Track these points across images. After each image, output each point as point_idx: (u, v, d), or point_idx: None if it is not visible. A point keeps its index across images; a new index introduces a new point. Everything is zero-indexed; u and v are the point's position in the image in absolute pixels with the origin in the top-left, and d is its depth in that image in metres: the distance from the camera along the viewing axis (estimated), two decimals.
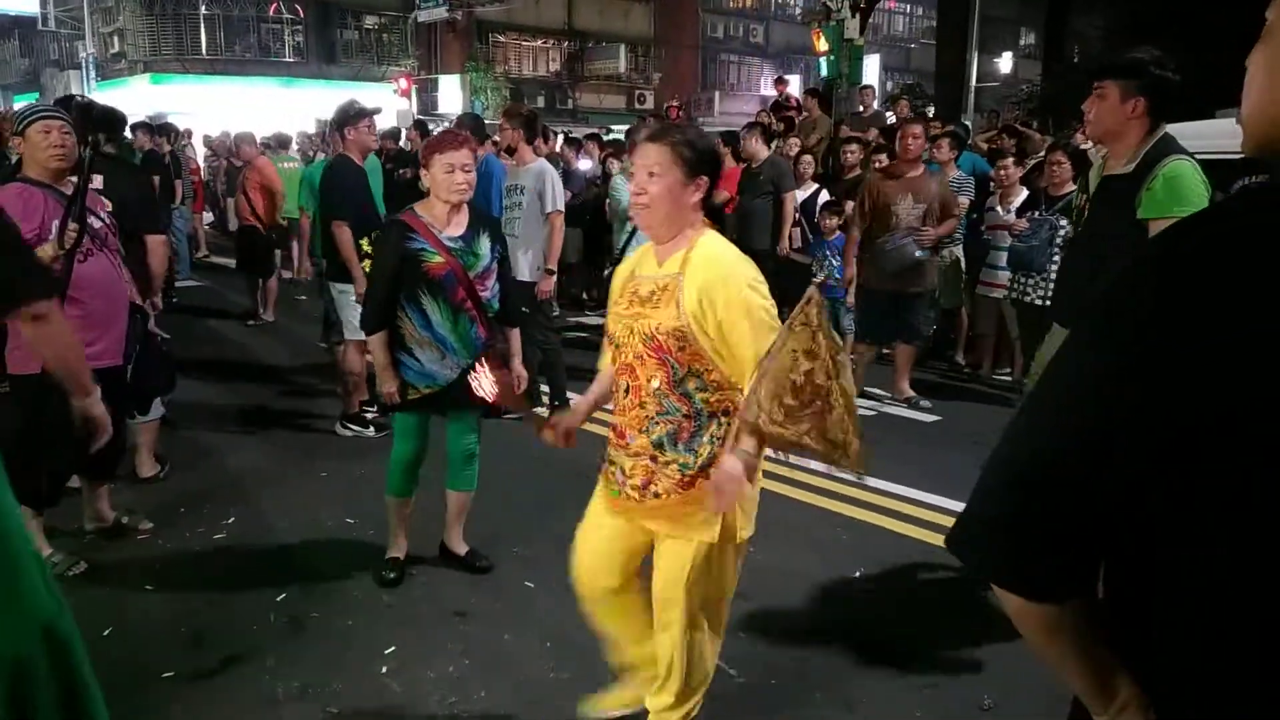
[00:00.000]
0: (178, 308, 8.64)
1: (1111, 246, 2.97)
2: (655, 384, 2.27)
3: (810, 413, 2.03)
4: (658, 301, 2.26)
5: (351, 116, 5.17)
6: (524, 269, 5.30)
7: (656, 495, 2.31)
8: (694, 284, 2.20)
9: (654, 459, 2.30)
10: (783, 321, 2.08)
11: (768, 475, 4.74)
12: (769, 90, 31.58)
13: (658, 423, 2.28)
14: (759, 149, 7.43)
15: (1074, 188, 7.31)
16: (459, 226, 3.36)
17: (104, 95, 23.28)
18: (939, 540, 3.98)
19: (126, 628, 3.24)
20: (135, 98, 21.84)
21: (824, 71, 14.00)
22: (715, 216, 2.40)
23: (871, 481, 4.68)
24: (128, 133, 8.02)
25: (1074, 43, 19.15)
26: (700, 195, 2.27)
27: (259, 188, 8.62)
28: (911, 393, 6.28)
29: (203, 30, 25.73)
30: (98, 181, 4.06)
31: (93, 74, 25.90)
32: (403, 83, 24.28)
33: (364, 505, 4.20)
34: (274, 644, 3.16)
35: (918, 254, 5.85)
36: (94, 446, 2.40)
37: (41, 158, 3.40)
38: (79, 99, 3.81)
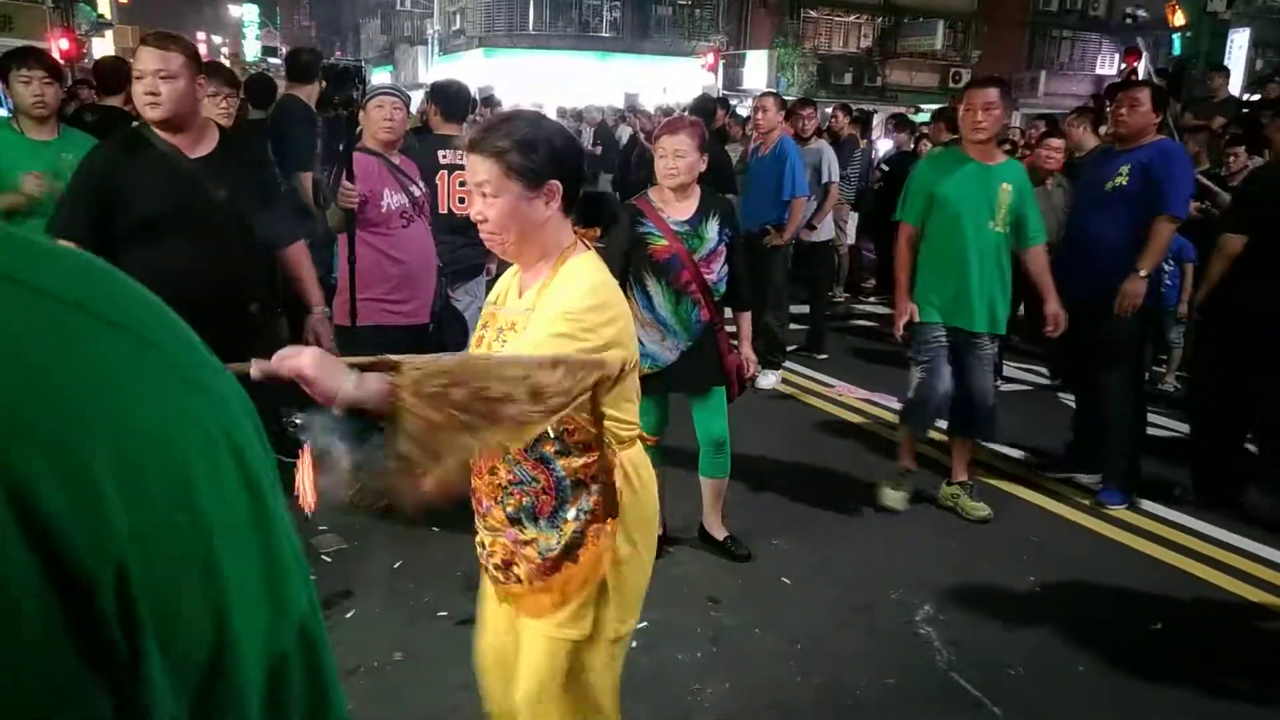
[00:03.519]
0: None
1: None
2: None
3: (453, 413, 1.51)
4: (508, 340, 1.85)
5: None
6: None
7: (518, 580, 1.89)
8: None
9: (513, 537, 1.88)
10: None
11: (1047, 493, 4.35)
12: (1105, 69, 28.72)
13: (512, 493, 1.85)
14: (1086, 138, 6.69)
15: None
16: (687, 210, 3.42)
17: (442, 68, 25.72)
18: (1256, 595, 3.43)
19: (414, 564, 3.54)
20: (468, 70, 23.89)
21: (1176, 49, 12.34)
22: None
23: (1168, 514, 4.13)
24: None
25: None
26: (557, 203, 1.81)
27: None
28: None
29: (530, 7, 27.57)
30: (453, 157, 4.43)
31: (435, 49, 28.69)
32: (709, 57, 24.62)
33: None
34: None
35: None
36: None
37: (373, 129, 3.75)
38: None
